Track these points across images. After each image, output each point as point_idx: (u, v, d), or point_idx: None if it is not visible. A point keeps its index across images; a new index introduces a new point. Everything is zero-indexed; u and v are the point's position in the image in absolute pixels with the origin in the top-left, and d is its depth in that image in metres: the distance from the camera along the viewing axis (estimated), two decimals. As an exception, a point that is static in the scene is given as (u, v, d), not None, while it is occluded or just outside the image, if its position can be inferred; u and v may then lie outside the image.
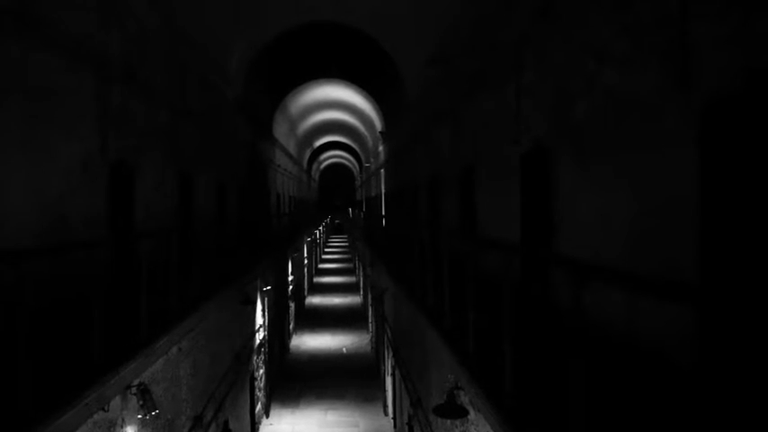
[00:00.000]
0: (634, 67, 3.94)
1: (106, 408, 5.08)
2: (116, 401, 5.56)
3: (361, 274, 32.80)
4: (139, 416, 5.92)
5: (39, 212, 5.41)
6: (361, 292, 33.64)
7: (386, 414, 17.13)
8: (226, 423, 11.42)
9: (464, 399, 5.78)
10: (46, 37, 5.53)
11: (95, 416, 4.96)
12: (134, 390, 5.86)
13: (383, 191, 23.90)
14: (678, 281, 3.25)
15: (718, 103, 3.07)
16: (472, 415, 5.66)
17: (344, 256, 58.07)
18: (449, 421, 7.12)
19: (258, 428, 15.96)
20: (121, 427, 5.85)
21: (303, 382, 20.07)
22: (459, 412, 5.53)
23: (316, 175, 54.90)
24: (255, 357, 15.58)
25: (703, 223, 3.15)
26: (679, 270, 3.33)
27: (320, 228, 50.10)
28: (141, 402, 5.80)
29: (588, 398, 2.95)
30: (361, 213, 33.73)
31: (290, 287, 24.93)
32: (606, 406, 3.31)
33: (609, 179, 4.33)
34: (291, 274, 25.26)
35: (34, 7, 5.31)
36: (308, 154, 39.58)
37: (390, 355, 15.85)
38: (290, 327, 25.47)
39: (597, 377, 3.22)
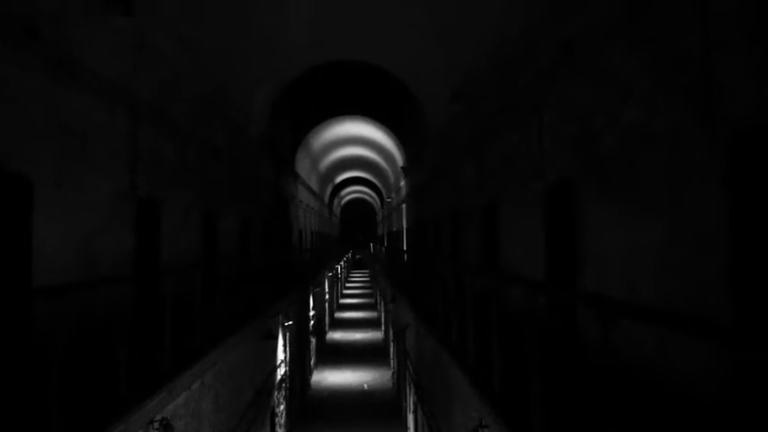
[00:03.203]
0: (657, 102, 3.96)
1: (130, 443, 5.09)
2: (140, 437, 5.55)
3: (383, 309, 32.60)
4: (162, 452, 5.90)
5: (71, 249, 5.53)
6: (383, 328, 33.36)
7: (408, 453, 16.80)
8: (247, 460, 11.28)
9: (489, 438, 5.66)
10: (81, 80, 5.74)
11: (120, 451, 4.96)
12: (156, 425, 5.85)
13: (404, 225, 23.92)
14: (707, 319, 3.19)
15: (745, 136, 3.07)
16: (498, 455, 5.54)
17: (366, 291, 57.83)
18: (473, 461, 6.96)
19: (279, 466, 15.74)
20: (144, 463, 5.83)
21: (324, 418, 19.83)
22: (484, 452, 5.42)
23: (337, 210, 55.24)
24: (276, 393, 15.47)
25: (734, 259, 3.11)
26: (709, 307, 3.28)
27: (341, 263, 50.12)
28: (164, 438, 5.78)
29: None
30: (383, 248, 33.72)
31: (312, 322, 24.85)
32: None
33: (635, 214, 4.31)
34: (313, 309, 25.20)
35: (71, 52, 5.54)
36: (329, 189, 39.93)
37: (412, 391, 15.61)
38: (312, 362, 25.29)
39: (627, 414, 3.15)
